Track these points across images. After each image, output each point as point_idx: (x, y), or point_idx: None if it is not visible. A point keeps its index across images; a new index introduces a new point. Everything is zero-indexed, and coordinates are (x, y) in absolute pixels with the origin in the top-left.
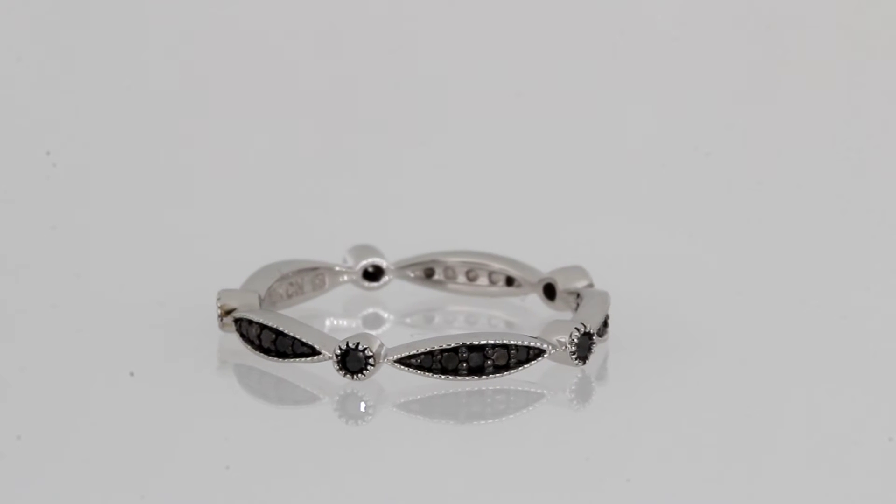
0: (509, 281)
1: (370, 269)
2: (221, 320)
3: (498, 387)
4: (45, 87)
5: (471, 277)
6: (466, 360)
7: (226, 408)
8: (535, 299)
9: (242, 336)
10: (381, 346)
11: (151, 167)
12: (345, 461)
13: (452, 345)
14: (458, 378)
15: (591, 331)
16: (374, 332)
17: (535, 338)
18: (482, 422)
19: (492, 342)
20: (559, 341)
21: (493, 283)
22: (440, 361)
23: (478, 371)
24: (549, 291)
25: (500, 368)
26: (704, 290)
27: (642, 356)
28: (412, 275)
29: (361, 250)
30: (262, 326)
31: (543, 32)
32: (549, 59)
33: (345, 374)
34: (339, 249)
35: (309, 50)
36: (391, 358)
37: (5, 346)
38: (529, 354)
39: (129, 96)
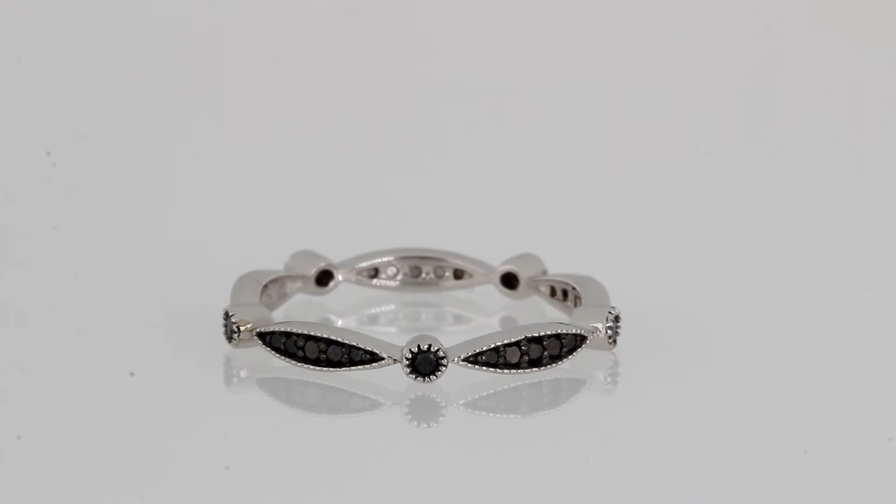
0: (458, 274)
1: (320, 275)
2: (238, 336)
3: (552, 377)
4: (45, 87)
5: (416, 274)
6: (527, 353)
7: (264, 420)
8: (485, 290)
9: (276, 349)
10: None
11: (151, 167)
12: (432, 463)
13: (514, 339)
14: (520, 371)
15: (619, 314)
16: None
17: (578, 325)
18: (543, 413)
19: (547, 333)
20: (594, 327)
21: (439, 277)
22: (504, 356)
23: (536, 363)
24: (510, 280)
25: (553, 358)
26: (704, 290)
27: (641, 356)
28: (360, 276)
29: (306, 256)
30: (307, 337)
31: (541, 31)
32: (548, 59)
33: (416, 377)
34: (282, 252)
35: (301, 52)
36: (458, 357)
37: (5, 346)
38: (576, 342)
39: (129, 96)
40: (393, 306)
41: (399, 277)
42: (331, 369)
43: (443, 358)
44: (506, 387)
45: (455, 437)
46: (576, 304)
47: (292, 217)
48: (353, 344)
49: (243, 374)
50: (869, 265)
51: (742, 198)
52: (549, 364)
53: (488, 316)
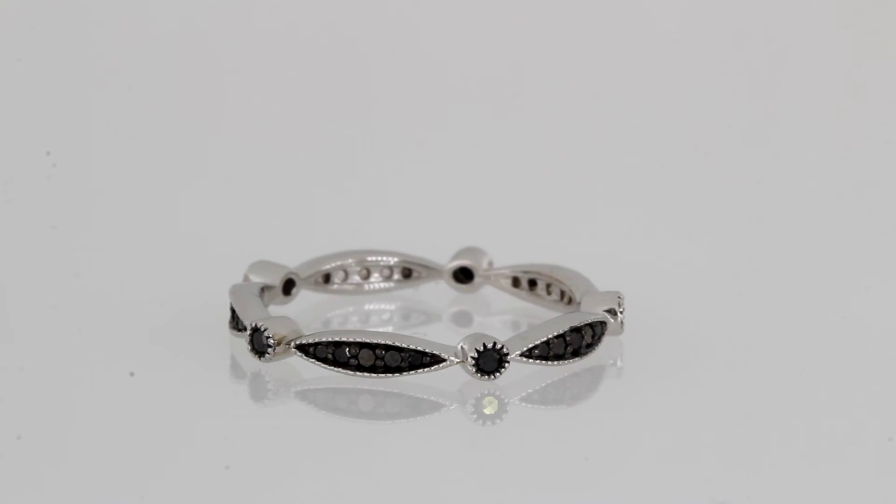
0: (406, 273)
1: (285, 284)
2: (274, 350)
3: (586, 367)
4: (45, 87)
5: (363, 276)
6: (571, 343)
7: (325, 432)
8: (431, 287)
9: (323, 360)
10: None
11: (151, 167)
12: (517, 458)
13: (560, 331)
14: (564, 362)
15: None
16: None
17: (597, 314)
18: (584, 402)
19: (584, 322)
20: (608, 313)
21: (385, 279)
22: (553, 349)
23: (577, 353)
24: (463, 275)
25: (588, 347)
26: (704, 290)
27: (641, 357)
28: (316, 283)
29: (266, 266)
30: (362, 345)
31: (541, 31)
32: (548, 58)
33: (481, 376)
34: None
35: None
36: (516, 353)
37: (5, 346)
38: (603, 330)
39: (129, 96)
40: (350, 309)
41: (350, 281)
42: (389, 375)
43: (506, 355)
44: (555, 378)
45: (524, 431)
46: (549, 293)
47: (256, 219)
48: (415, 348)
49: (276, 387)
50: (869, 266)
51: (742, 198)
52: (586, 353)
53: (441, 312)
